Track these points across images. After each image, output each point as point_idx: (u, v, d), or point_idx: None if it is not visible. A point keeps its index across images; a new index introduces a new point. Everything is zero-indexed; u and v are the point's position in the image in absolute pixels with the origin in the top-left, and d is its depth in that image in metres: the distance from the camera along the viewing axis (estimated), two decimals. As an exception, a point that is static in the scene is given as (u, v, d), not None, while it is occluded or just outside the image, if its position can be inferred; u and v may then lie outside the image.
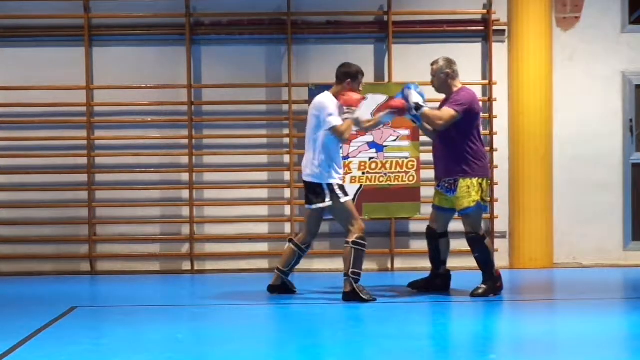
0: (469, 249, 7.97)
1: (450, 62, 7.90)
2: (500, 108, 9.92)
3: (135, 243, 9.94)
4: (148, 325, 6.75)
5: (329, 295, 8.04)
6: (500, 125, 9.91)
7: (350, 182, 9.64)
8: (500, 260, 9.94)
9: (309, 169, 7.78)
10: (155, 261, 9.97)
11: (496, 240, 9.92)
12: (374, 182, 9.65)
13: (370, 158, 9.66)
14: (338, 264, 9.86)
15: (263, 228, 9.94)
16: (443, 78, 7.88)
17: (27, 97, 9.83)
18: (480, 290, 7.79)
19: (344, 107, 7.75)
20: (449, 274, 8.18)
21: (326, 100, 7.79)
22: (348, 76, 7.83)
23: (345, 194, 7.77)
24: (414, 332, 6.50)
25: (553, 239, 9.87)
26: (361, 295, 7.60)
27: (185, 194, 9.94)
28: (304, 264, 9.82)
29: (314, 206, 7.79)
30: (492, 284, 7.83)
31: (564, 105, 9.93)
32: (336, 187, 7.72)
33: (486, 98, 9.94)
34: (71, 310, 7.35)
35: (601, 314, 7.11)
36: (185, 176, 9.92)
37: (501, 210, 9.93)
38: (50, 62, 9.89)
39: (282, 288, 8.07)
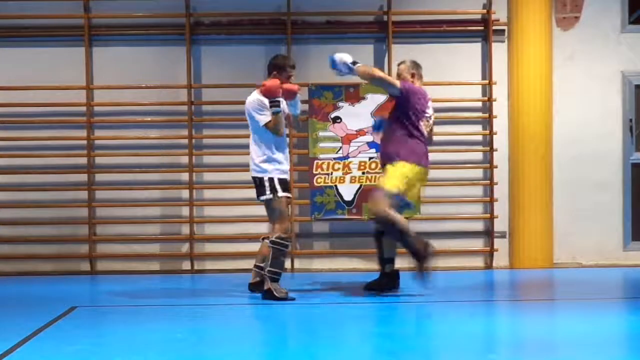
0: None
1: (416, 64, 8.07)
2: (500, 108, 9.92)
3: (135, 243, 9.94)
4: (148, 325, 6.75)
5: (328, 295, 8.03)
6: (500, 125, 9.91)
7: (350, 182, 9.66)
8: (500, 260, 9.95)
9: (252, 164, 7.77)
10: (155, 261, 9.97)
11: (496, 240, 9.92)
12: (374, 182, 9.64)
13: (370, 158, 9.67)
14: (338, 263, 9.91)
15: (263, 228, 9.92)
16: (407, 77, 7.98)
17: (27, 97, 9.82)
18: (417, 267, 7.65)
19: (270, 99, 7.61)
20: (396, 273, 8.13)
21: (251, 99, 7.74)
22: (274, 68, 7.76)
23: (284, 190, 7.71)
24: (413, 332, 6.50)
25: (553, 238, 9.86)
26: (275, 293, 7.63)
27: (185, 193, 9.95)
28: (303, 263, 9.87)
29: (261, 198, 7.78)
30: (421, 258, 7.64)
31: (563, 105, 9.93)
32: (276, 182, 7.69)
33: (486, 98, 9.94)
34: (71, 310, 7.35)
35: (601, 314, 7.10)
36: (185, 176, 9.92)
37: (501, 210, 9.93)
38: (50, 62, 9.90)
39: (262, 285, 8.01)
